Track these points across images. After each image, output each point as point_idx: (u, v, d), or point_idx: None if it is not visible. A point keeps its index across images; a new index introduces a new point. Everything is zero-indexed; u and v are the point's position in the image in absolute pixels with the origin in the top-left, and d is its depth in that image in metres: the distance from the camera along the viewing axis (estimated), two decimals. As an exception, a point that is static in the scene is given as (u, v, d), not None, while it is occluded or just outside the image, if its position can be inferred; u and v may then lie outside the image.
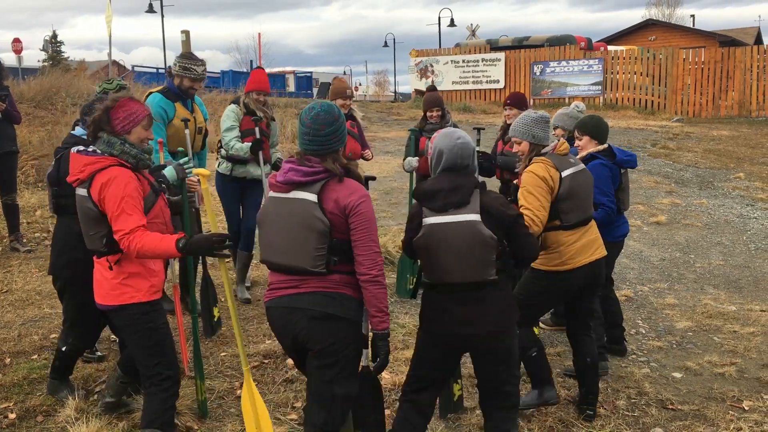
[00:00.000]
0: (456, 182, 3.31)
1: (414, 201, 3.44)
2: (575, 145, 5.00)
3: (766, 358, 5.34)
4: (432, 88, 6.85)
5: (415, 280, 6.39)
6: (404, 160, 6.35)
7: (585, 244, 4.15)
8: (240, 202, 6.16)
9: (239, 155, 5.84)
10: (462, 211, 3.26)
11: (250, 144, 5.80)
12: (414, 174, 6.50)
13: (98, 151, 3.40)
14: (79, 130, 4.23)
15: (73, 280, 4.13)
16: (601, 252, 4.26)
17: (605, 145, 4.93)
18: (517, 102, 5.94)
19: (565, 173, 4.04)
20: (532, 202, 3.97)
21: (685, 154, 14.81)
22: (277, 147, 6.31)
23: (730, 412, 4.45)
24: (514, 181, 4.39)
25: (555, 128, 5.44)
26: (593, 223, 4.30)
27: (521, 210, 3.90)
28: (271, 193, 3.15)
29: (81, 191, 3.43)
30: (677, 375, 5.04)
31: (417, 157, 6.24)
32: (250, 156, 5.83)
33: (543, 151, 4.12)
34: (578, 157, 4.74)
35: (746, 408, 4.51)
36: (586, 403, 4.30)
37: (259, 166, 5.90)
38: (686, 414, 4.42)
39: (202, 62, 5.53)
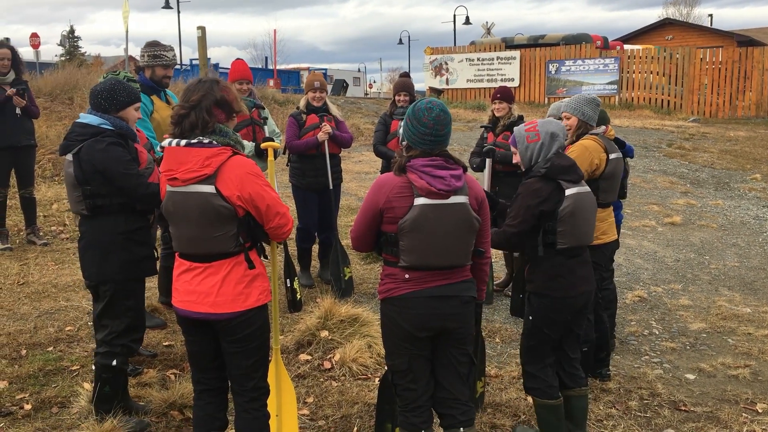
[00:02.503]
0: (572, 159, 3.78)
1: (535, 178, 3.66)
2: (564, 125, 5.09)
3: (781, 360, 5.30)
4: (405, 74, 7.10)
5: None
6: (374, 144, 6.82)
7: (612, 223, 4.68)
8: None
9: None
10: (584, 182, 3.75)
11: (252, 145, 5.76)
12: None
13: (215, 141, 3.10)
14: (89, 118, 3.82)
15: (126, 283, 3.86)
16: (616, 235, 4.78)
17: (603, 128, 4.83)
18: (507, 96, 6.32)
19: (611, 156, 4.50)
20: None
21: (701, 154, 14.71)
22: (278, 135, 6.28)
23: (744, 414, 4.42)
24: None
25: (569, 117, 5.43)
26: (611, 207, 4.73)
27: None
28: (425, 200, 3.07)
29: (205, 188, 3.05)
30: (690, 376, 5.01)
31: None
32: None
33: (594, 131, 4.52)
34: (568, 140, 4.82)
35: (760, 411, 4.48)
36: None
37: (259, 159, 5.73)
38: (699, 416, 4.40)
39: (171, 48, 5.40)
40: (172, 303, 3.29)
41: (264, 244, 3.34)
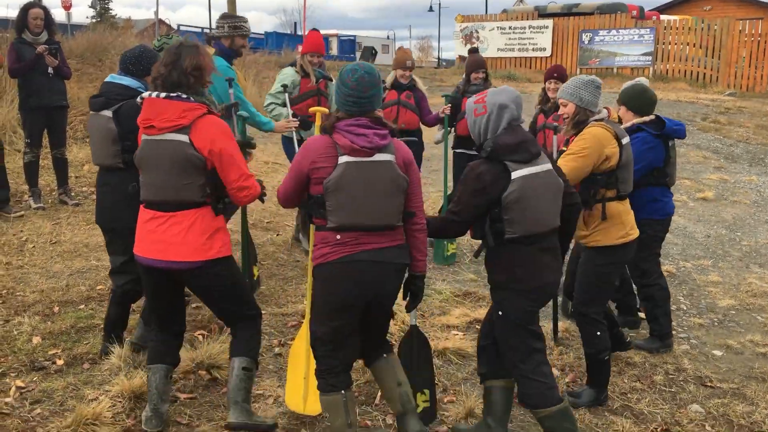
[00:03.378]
0: (528, 134, 3.35)
1: (480, 160, 3.30)
2: (613, 116, 4.87)
3: (811, 339, 5.22)
4: (474, 50, 6.88)
5: (454, 246, 6.41)
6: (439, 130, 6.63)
7: (632, 215, 4.14)
8: None
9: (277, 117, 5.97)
10: (541, 160, 3.31)
11: (285, 113, 5.89)
12: (447, 142, 6.61)
13: (191, 98, 3.35)
14: (127, 80, 4.11)
15: None
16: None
17: (651, 117, 4.68)
18: (563, 76, 5.97)
19: (624, 141, 3.97)
20: (573, 163, 3.85)
21: (736, 129, 14.40)
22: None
23: (771, 392, 4.38)
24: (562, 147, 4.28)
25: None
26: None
27: (563, 159, 3.87)
28: (348, 158, 3.06)
29: (179, 137, 3.29)
30: (717, 353, 4.97)
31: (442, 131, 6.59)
32: (298, 125, 5.88)
33: (597, 117, 3.95)
34: (621, 128, 4.61)
35: (787, 389, 4.44)
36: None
37: (308, 131, 5.95)
38: (725, 392, 4.37)
39: (246, 19, 5.59)
40: (134, 252, 3.48)
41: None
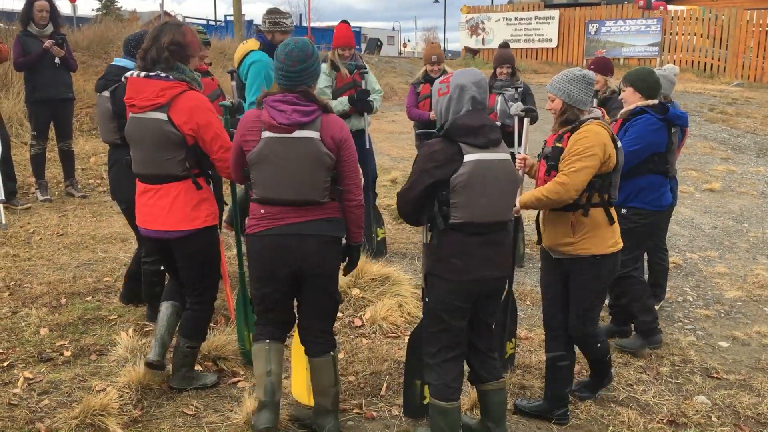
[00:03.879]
0: (491, 120, 3.22)
1: (438, 138, 3.21)
2: (620, 97, 4.81)
3: (818, 331, 5.21)
4: (505, 45, 6.80)
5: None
6: None
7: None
8: None
9: (337, 112, 5.96)
10: (499, 149, 3.20)
11: (344, 99, 6.05)
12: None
13: (171, 76, 3.51)
14: (125, 62, 4.47)
15: None
16: None
17: (655, 101, 4.57)
18: (604, 68, 5.75)
19: (619, 144, 3.70)
20: (578, 164, 3.53)
21: (744, 120, 14.32)
22: (376, 96, 6.33)
23: (778, 383, 4.37)
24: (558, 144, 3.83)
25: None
26: None
27: (563, 168, 3.56)
28: (269, 134, 3.16)
29: (158, 115, 3.49)
30: (724, 344, 4.96)
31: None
32: (351, 109, 6.08)
33: (592, 115, 3.66)
34: (624, 110, 4.62)
35: (794, 380, 4.43)
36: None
37: (361, 117, 6.18)
38: (731, 383, 4.36)
39: (289, 15, 5.75)
40: (136, 224, 3.81)
41: None
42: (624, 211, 4.54)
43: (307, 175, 3.17)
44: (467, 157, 3.09)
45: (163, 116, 3.48)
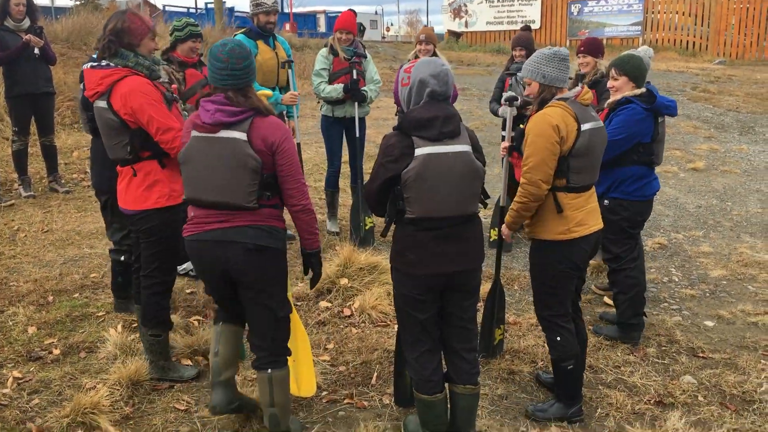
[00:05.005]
0: (448, 111, 3.12)
1: (394, 131, 3.18)
2: (609, 85, 4.59)
3: (802, 308, 5.28)
4: (525, 28, 6.71)
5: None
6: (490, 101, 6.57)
7: (592, 210, 3.63)
8: (342, 142, 6.50)
9: (331, 97, 6.11)
10: (456, 141, 3.10)
11: (339, 86, 6.05)
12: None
13: (111, 64, 3.64)
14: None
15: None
16: (601, 223, 3.74)
17: (643, 89, 4.46)
18: (594, 49, 5.69)
19: (585, 126, 3.46)
20: (533, 156, 3.43)
21: (726, 98, 14.41)
22: (373, 86, 6.36)
23: (762, 361, 4.43)
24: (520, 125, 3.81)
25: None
26: (594, 190, 3.74)
27: (525, 160, 3.47)
28: (196, 133, 3.12)
29: (101, 103, 3.67)
30: (709, 323, 5.02)
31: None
32: (345, 96, 6.11)
33: (563, 95, 3.52)
34: (611, 100, 4.51)
35: (778, 357, 4.50)
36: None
37: (357, 106, 6.22)
38: (717, 362, 4.42)
39: None
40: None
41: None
42: (606, 202, 4.50)
43: (229, 177, 3.08)
44: (418, 151, 3.03)
45: (104, 104, 3.65)
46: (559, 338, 3.64)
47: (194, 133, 3.12)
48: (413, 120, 3.07)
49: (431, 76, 3.10)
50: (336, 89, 6.06)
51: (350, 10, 6.42)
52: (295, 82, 6.09)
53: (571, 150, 3.43)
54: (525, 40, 6.43)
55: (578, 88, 3.59)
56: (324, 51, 6.22)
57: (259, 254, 3.14)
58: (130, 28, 3.64)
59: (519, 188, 3.52)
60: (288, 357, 3.45)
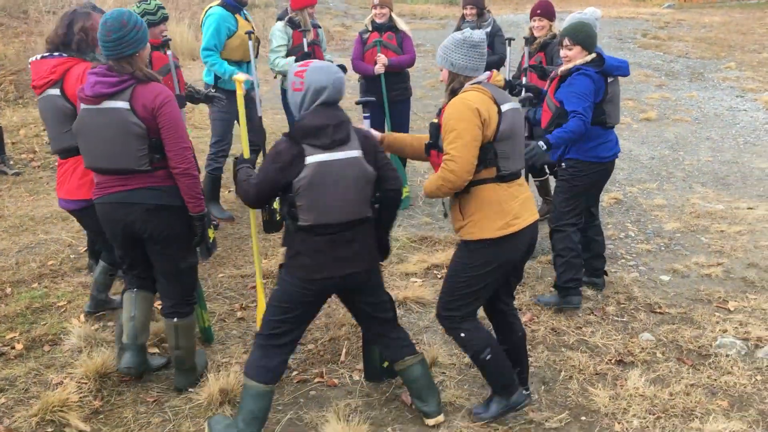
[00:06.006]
0: (339, 117, 3.14)
1: (284, 138, 3.16)
2: (562, 55, 4.49)
3: (752, 257, 5.47)
4: None
5: (407, 190, 6.36)
6: None
7: (526, 200, 3.37)
8: None
9: (285, 71, 5.97)
10: (347, 147, 3.12)
11: (291, 59, 6.00)
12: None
13: (64, 54, 3.82)
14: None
15: None
16: (536, 213, 3.46)
17: (593, 55, 4.40)
18: (549, 13, 5.70)
19: (504, 107, 3.25)
20: (455, 143, 3.17)
21: (676, 44, 14.58)
22: (326, 51, 6.46)
23: (716, 314, 4.60)
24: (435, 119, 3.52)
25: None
26: (524, 179, 3.51)
27: (446, 149, 3.21)
28: (83, 105, 3.33)
29: (52, 91, 3.83)
30: (665, 278, 5.17)
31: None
32: None
33: (477, 79, 3.31)
34: (563, 68, 4.46)
35: (731, 309, 4.67)
36: (522, 383, 3.62)
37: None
38: (673, 317, 4.57)
39: None
40: None
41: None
42: (563, 164, 4.57)
43: (117, 145, 3.31)
44: (309, 159, 3.05)
45: (56, 92, 3.79)
46: (463, 334, 3.40)
47: (82, 105, 3.35)
48: (304, 127, 3.08)
49: (326, 83, 3.10)
50: (290, 62, 5.95)
51: None
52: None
53: (495, 134, 3.21)
54: None
55: (488, 73, 3.36)
56: (280, 25, 6.13)
57: (158, 213, 3.41)
58: (94, 27, 3.72)
59: (439, 172, 3.25)
60: (193, 305, 3.77)
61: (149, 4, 5.00)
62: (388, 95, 6.33)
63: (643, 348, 4.19)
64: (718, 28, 16.07)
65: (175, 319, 3.62)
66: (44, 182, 7.22)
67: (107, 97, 3.26)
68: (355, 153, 3.14)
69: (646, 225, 6.21)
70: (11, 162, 7.69)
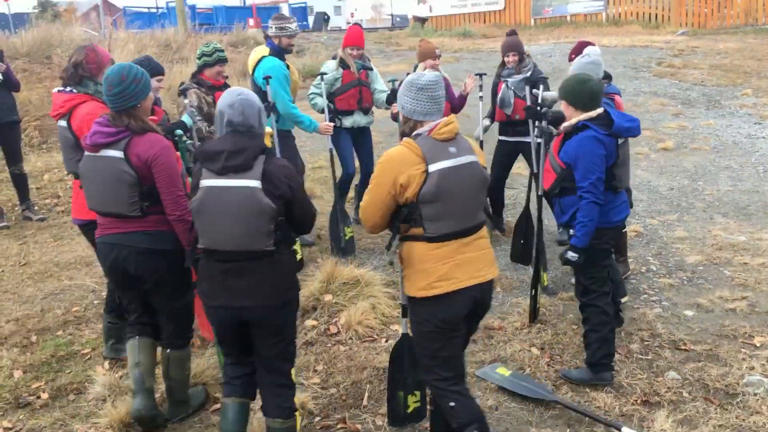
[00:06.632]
0: (239, 144, 3.10)
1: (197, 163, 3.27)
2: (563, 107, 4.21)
3: (777, 290, 5.40)
4: (512, 32, 6.58)
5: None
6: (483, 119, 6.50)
7: (464, 262, 3.14)
8: (353, 149, 6.77)
9: (320, 107, 6.48)
10: (243, 176, 3.08)
11: (321, 102, 6.44)
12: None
13: (74, 90, 4.20)
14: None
15: None
16: (490, 273, 3.24)
17: (600, 110, 4.04)
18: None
19: (433, 167, 3.03)
20: (367, 196, 3.19)
21: (691, 71, 14.55)
22: (382, 92, 6.67)
23: (742, 350, 4.53)
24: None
25: None
26: (483, 233, 3.28)
27: (365, 195, 3.23)
28: (86, 152, 3.58)
29: (62, 123, 4.22)
30: (689, 313, 5.11)
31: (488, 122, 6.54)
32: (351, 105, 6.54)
33: (418, 130, 3.17)
34: (564, 125, 4.12)
35: (758, 345, 4.60)
36: None
37: (365, 115, 6.65)
38: (699, 354, 4.51)
39: (293, 19, 6.37)
40: None
41: None
42: (572, 231, 4.13)
43: (110, 191, 3.54)
44: (203, 182, 3.12)
45: (64, 123, 4.19)
46: (453, 404, 3.19)
47: (86, 153, 3.58)
48: (204, 151, 3.18)
49: (227, 105, 3.14)
50: (319, 106, 6.47)
51: (356, 24, 6.84)
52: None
53: (419, 196, 3.04)
54: (514, 45, 6.29)
55: (433, 124, 3.15)
56: (332, 64, 6.50)
57: (150, 255, 3.58)
58: (86, 61, 4.21)
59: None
60: (189, 339, 3.92)
61: (208, 46, 5.56)
62: None
63: (669, 387, 4.14)
64: (733, 55, 16.02)
65: (168, 350, 3.82)
66: (68, 227, 7.33)
67: (104, 146, 3.49)
68: (252, 183, 3.06)
69: (668, 258, 6.16)
70: (36, 208, 7.81)
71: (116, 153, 3.47)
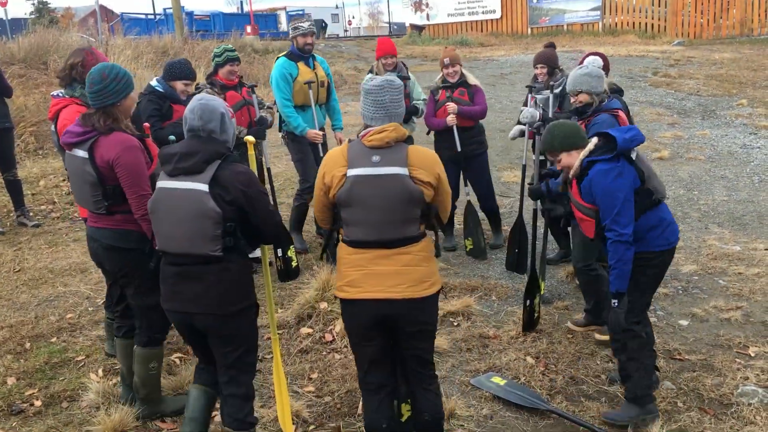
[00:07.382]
0: (192, 147, 3.11)
1: None
2: (558, 167, 4.02)
3: (771, 300, 5.41)
4: (549, 45, 6.43)
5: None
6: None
7: (377, 273, 3.08)
8: None
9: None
10: (192, 179, 3.07)
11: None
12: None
13: (61, 93, 4.30)
14: (155, 82, 5.34)
15: None
16: (409, 291, 3.08)
17: (594, 140, 3.75)
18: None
19: (351, 171, 3.06)
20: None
21: (687, 81, 14.63)
22: (418, 101, 6.61)
23: (737, 360, 4.54)
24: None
25: (578, 93, 4.62)
26: (412, 250, 3.13)
27: None
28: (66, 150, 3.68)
29: (53, 127, 4.35)
30: (684, 323, 5.12)
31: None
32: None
33: (360, 134, 3.22)
34: (573, 172, 3.80)
35: (752, 354, 4.60)
36: None
37: (405, 124, 6.42)
38: (693, 364, 4.51)
39: (306, 18, 6.43)
40: None
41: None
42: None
43: (77, 188, 3.71)
44: (158, 183, 3.20)
45: (53, 128, 4.31)
46: (363, 404, 3.34)
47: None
48: (162, 154, 3.22)
49: (189, 110, 3.17)
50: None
51: (386, 37, 6.75)
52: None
53: (337, 196, 3.11)
54: (546, 57, 6.16)
55: (371, 128, 3.15)
56: (369, 77, 6.35)
57: (114, 252, 3.69)
58: (82, 64, 4.19)
59: None
60: (158, 340, 3.92)
61: (219, 48, 5.88)
62: (464, 150, 6.37)
63: (663, 397, 4.13)
64: (728, 65, 16.12)
65: (135, 346, 3.90)
66: (63, 233, 7.31)
67: (74, 145, 3.58)
68: (198, 186, 3.05)
69: (663, 268, 6.16)
70: (30, 214, 7.79)
71: (82, 153, 3.56)
